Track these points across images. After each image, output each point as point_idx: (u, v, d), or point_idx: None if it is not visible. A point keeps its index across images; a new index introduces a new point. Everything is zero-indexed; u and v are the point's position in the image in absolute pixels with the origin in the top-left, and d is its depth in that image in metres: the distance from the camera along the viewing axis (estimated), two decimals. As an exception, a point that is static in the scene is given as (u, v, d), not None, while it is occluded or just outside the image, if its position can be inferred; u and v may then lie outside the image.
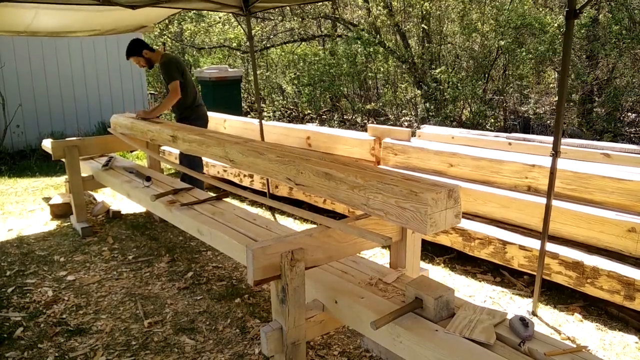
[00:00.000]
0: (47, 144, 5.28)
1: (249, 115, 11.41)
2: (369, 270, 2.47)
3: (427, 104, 9.58)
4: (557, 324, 3.05)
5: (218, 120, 6.59)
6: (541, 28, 8.55)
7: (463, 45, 9.74)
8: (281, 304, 2.05)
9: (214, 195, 3.49)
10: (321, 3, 11.64)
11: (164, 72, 4.58)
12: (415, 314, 1.99)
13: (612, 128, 8.20)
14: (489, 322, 1.90)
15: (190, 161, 4.68)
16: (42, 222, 5.07)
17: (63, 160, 4.76)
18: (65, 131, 8.88)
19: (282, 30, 13.17)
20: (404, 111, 10.64)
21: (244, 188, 5.49)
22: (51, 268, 3.96)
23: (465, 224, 3.75)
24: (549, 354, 1.73)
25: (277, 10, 12.44)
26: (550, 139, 4.54)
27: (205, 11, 13.03)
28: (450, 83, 9.28)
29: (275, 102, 12.51)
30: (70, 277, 3.78)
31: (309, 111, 11.81)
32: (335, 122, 10.92)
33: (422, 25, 10.25)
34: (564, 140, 4.33)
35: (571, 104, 8.79)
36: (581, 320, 3.09)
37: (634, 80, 8.30)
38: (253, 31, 5.04)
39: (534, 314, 3.13)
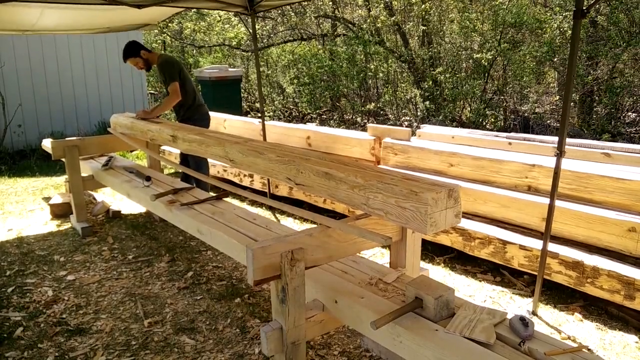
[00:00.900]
0: (47, 144, 5.28)
1: (249, 115, 11.42)
2: (369, 270, 2.47)
3: (427, 104, 9.57)
4: (557, 323, 3.04)
5: (218, 120, 6.59)
6: (539, 27, 8.54)
7: (462, 45, 9.74)
8: (281, 304, 2.05)
9: (214, 195, 3.49)
10: (322, 2, 11.65)
11: (163, 73, 4.55)
12: (416, 314, 1.99)
13: (612, 128, 8.19)
14: (489, 322, 1.90)
15: (197, 162, 4.67)
16: (42, 222, 5.07)
17: (63, 160, 4.76)
18: (65, 131, 8.89)
19: (283, 30, 13.17)
20: (404, 111, 10.64)
21: (244, 188, 5.49)
22: (51, 268, 3.96)
23: (466, 223, 3.75)
24: (549, 354, 1.73)
25: (277, 9, 12.43)
26: (551, 138, 4.56)
27: (207, 10, 13.05)
28: (450, 83, 9.28)
29: (275, 102, 12.51)
30: (70, 277, 3.78)
31: (309, 111, 11.81)
32: (335, 121, 10.92)
33: (421, 25, 10.25)
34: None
35: (572, 103, 8.78)
36: (581, 320, 3.09)
37: (634, 80, 8.29)
38: (256, 31, 5.04)
39: (534, 313, 3.13)
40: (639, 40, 7.77)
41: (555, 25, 8.52)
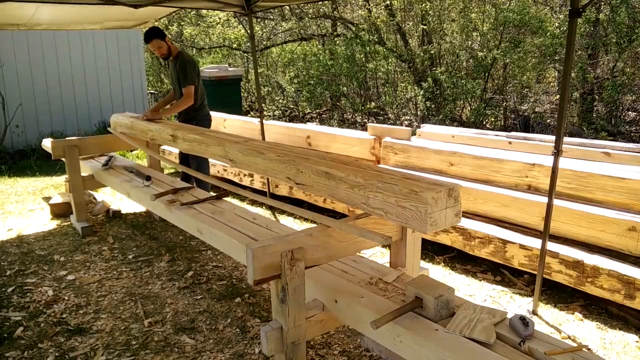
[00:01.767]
0: (47, 144, 5.28)
1: (249, 115, 11.41)
2: (369, 269, 2.47)
3: (428, 103, 9.57)
4: (558, 323, 3.04)
5: (218, 120, 6.59)
6: (540, 26, 8.54)
7: (462, 44, 9.74)
8: (281, 304, 2.05)
9: (214, 194, 3.49)
10: (321, 2, 11.64)
11: (183, 71, 4.41)
12: (416, 314, 1.98)
13: (612, 126, 8.19)
14: (489, 322, 1.90)
15: (200, 163, 4.63)
16: (42, 222, 5.07)
17: (63, 159, 4.75)
18: (65, 130, 8.88)
19: (282, 30, 13.17)
20: (404, 110, 10.64)
21: (244, 187, 5.49)
22: (51, 267, 3.96)
23: (466, 223, 3.75)
24: (549, 353, 1.72)
25: (276, 10, 12.43)
26: (551, 137, 4.56)
27: (206, 11, 13.05)
28: (450, 82, 9.27)
29: (276, 102, 12.51)
30: (70, 277, 3.78)
31: (308, 110, 11.81)
32: (335, 121, 10.92)
33: (421, 25, 10.24)
34: (564, 139, 4.33)
35: (572, 102, 8.78)
36: (581, 320, 3.08)
37: (634, 79, 8.29)
38: (253, 31, 5.05)
39: (534, 313, 3.13)
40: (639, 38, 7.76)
41: (557, 24, 8.52)
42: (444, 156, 4.28)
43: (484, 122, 9.14)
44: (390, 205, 1.88)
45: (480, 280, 3.65)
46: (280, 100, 12.54)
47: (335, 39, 11.82)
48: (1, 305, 3.36)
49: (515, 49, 8.69)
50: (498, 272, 3.72)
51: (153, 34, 4.39)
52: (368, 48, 10.32)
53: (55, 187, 6.44)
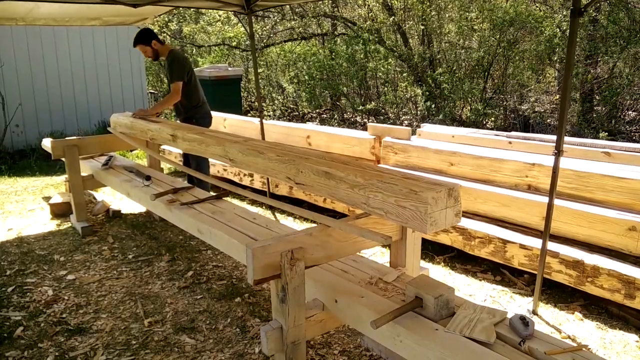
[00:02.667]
0: (46, 143, 5.28)
1: (248, 114, 11.41)
2: (369, 269, 2.47)
3: (428, 103, 9.57)
4: (558, 322, 3.04)
5: (218, 119, 6.58)
6: (538, 26, 8.54)
7: (462, 44, 9.73)
8: (281, 303, 2.05)
9: (214, 194, 3.49)
10: (321, 2, 11.64)
11: (170, 69, 4.50)
12: (416, 313, 1.98)
13: (612, 126, 8.19)
14: (489, 321, 1.90)
15: (199, 163, 4.65)
16: (42, 222, 5.06)
17: (63, 159, 4.75)
18: (65, 130, 8.88)
19: (282, 29, 13.16)
20: (404, 110, 10.63)
21: (244, 187, 5.49)
22: (51, 267, 3.96)
23: (466, 222, 3.75)
24: (550, 353, 1.72)
25: (276, 9, 12.42)
26: (551, 137, 4.55)
27: (205, 9, 13.04)
28: (450, 82, 9.27)
29: (275, 101, 12.51)
30: (70, 277, 3.78)
31: (308, 110, 11.81)
32: (335, 121, 10.91)
33: (421, 25, 10.24)
34: (564, 139, 4.33)
35: (572, 102, 8.78)
36: (581, 319, 3.08)
37: (634, 79, 8.29)
38: (253, 30, 5.04)
39: (534, 312, 3.13)
40: (639, 39, 7.76)
41: (555, 24, 8.52)
42: (444, 156, 4.28)
43: (484, 122, 9.14)
44: (390, 205, 1.87)
45: (480, 280, 3.65)
46: (280, 100, 12.53)
47: (336, 39, 11.82)
48: (1, 305, 3.36)
49: (514, 48, 8.69)
50: (498, 272, 3.72)
51: (138, 39, 4.53)
52: (368, 47, 10.31)
53: (55, 186, 6.44)
